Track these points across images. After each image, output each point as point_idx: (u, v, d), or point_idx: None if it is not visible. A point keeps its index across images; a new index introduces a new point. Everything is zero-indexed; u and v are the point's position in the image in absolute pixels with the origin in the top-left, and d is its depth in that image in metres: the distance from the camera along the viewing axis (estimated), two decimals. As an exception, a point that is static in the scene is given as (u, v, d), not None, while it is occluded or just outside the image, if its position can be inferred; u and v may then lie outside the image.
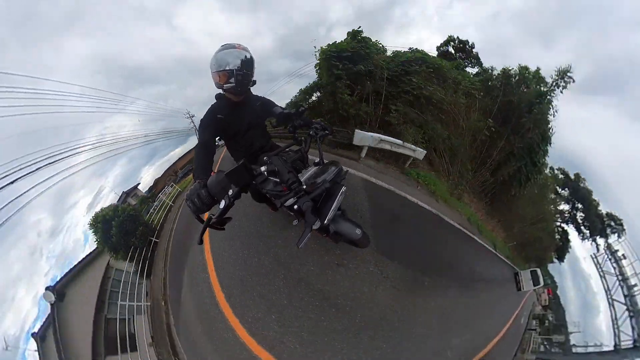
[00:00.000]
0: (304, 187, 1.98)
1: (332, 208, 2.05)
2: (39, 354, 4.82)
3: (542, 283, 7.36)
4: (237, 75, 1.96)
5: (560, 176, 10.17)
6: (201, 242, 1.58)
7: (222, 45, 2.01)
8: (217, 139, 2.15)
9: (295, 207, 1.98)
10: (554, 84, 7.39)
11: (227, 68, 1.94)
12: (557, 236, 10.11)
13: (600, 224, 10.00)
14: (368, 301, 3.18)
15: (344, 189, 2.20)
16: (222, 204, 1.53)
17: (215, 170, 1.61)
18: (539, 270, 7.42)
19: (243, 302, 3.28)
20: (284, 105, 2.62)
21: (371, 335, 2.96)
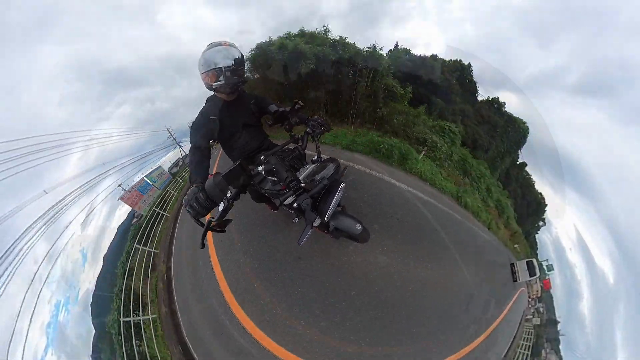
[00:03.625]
0: (303, 185, 1.98)
1: (332, 204, 2.05)
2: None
3: (538, 273, 7.36)
4: (225, 72, 1.90)
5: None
6: (203, 246, 1.58)
7: (208, 45, 1.96)
8: (211, 141, 2.12)
9: (295, 205, 1.98)
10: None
11: (215, 67, 1.90)
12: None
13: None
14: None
15: (343, 185, 2.20)
16: (221, 206, 1.53)
17: (213, 173, 1.60)
18: (534, 261, 7.39)
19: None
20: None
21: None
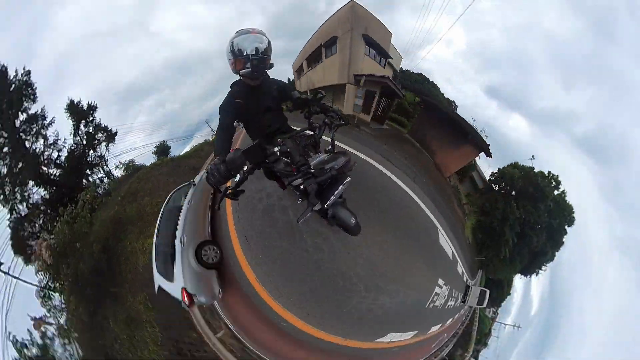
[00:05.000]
0: (312, 170, 2.14)
1: (335, 194, 2.21)
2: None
3: (485, 305, 7.57)
4: (252, 61, 1.99)
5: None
6: (219, 208, 1.83)
7: (237, 32, 2.02)
8: (236, 121, 2.24)
9: (302, 187, 2.17)
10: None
11: (243, 54, 1.97)
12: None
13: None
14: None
15: (348, 179, 2.34)
16: (238, 177, 1.73)
17: (234, 148, 1.80)
18: (488, 293, 7.55)
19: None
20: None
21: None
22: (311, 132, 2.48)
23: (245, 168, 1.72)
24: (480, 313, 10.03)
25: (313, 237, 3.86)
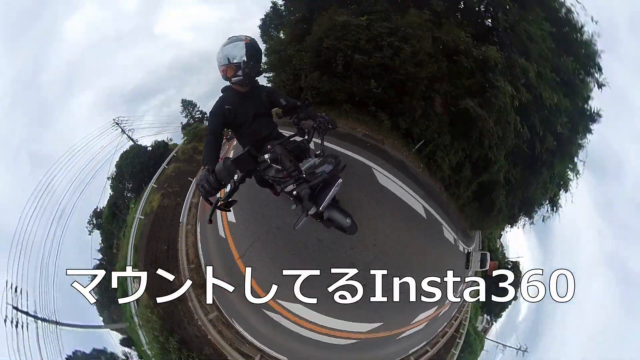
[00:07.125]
0: (304, 175, 2.15)
1: (328, 197, 2.22)
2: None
3: (487, 267, 8.42)
4: (244, 69, 2.03)
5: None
6: (210, 221, 1.80)
7: (229, 38, 2.07)
8: (225, 128, 2.27)
9: (294, 193, 2.17)
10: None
11: (234, 61, 2.01)
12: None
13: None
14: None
15: (340, 180, 2.36)
16: (229, 187, 1.72)
17: (224, 157, 1.79)
18: (488, 255, 8.57)
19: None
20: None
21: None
22: (300, 138, 2.50)
23: (235, 177, 1.70)
24: (470, 329, 9.53)
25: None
